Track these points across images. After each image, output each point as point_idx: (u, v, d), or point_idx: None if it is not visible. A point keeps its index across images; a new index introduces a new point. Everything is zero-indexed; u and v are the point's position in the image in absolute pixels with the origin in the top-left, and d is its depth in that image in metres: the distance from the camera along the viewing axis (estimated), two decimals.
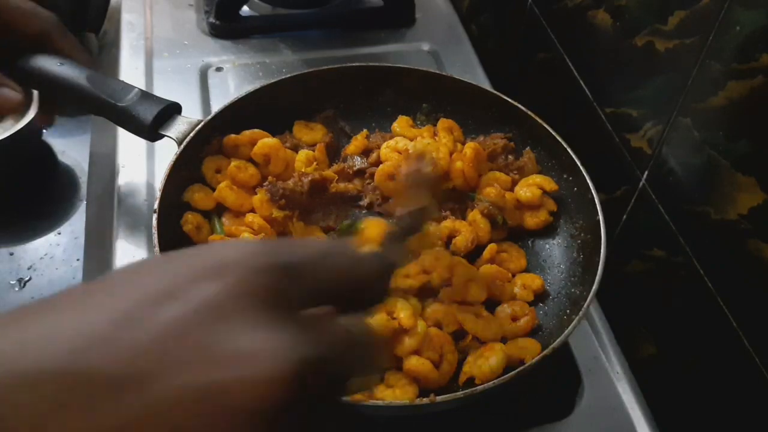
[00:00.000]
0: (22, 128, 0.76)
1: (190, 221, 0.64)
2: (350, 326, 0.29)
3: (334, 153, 0.75)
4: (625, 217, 0.70)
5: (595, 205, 0.64)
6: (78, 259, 0.77)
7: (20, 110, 0.63)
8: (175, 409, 0.23)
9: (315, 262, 0.29)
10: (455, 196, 0.70)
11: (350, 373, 0.29)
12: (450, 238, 0.67)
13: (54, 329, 0.24)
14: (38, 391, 0.22)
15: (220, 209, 0.67)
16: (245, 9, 0.95)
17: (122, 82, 0.68)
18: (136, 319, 0.24)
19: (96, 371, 0.22)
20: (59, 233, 0.80)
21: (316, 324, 0.27)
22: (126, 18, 0.95)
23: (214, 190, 0.67)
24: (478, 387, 0.52)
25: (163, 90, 0.75)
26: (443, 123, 0.74)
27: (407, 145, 0.71)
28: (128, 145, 0.78)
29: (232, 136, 0.69)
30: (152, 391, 0.23)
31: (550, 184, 0.69)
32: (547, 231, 0.70)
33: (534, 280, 0.65)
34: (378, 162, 0.72)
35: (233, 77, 0.88)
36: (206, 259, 0.27)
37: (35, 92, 0.75)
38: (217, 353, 0.24)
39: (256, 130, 0.70)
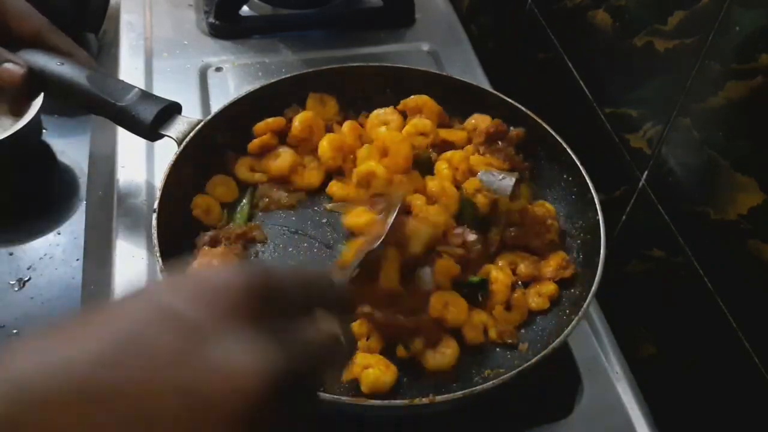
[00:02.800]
0: (22, 128, 0.76)
1: (199, 205, 0.66)
2: (321, 336, 0.33)
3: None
4: (624, 217, 0.70)
5: (594, 205, 0.64)
6: (78, 259, 0.77)
7: (22, 87, 0.62)
8: (164, 415, 0.26)
9: (286, 281, 0.33)
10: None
11: (320, 381, 0.33)
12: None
13: (68, 356, 0.27)
14: (55, 408, 0.25)
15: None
16: (245, 9, 0.95)
17: (122, 81, 0.68)
18: (138, 344, 0.27)
19: (101, 386, 0.26)
20: (59, 233, 0.80)
21: (291, 337, 0.31)
22: (125, 18, 0.95)
23: (239, 184, 0.71)
24: (477, 387, 0.52)
25: (163, 90, 0.75)
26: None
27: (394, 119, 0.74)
28: (128, 145, 0.78)
29: (262, 123, 0.71)
30: (144, 400, 0.26)
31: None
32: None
33: (547, 286, 0.64)
34: None
35: (233, 77, 0.88)
36: (192, 284, 0.31)
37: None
38: (203, 368, 0.27)
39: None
